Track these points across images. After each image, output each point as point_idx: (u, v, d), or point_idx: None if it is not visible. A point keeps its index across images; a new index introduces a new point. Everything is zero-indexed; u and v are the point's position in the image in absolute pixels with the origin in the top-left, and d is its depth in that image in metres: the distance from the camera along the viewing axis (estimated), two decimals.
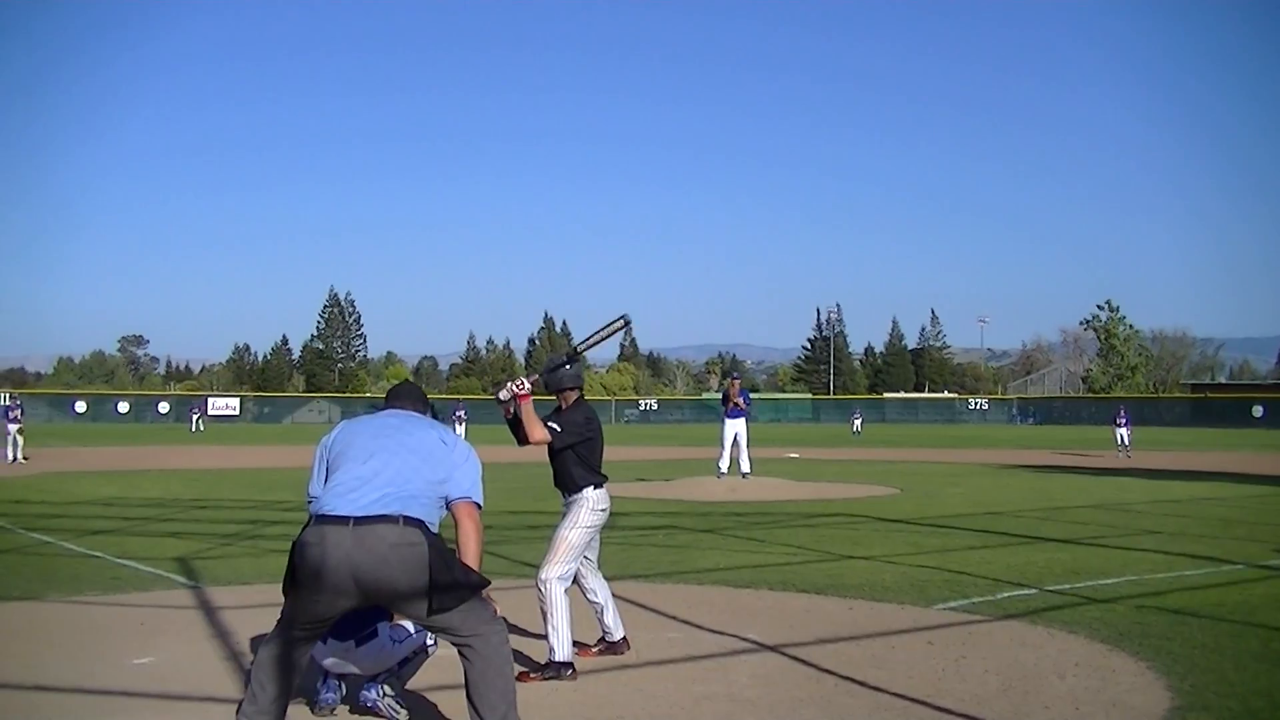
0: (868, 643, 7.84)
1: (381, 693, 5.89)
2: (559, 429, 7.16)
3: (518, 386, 7.00)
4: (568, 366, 7.35)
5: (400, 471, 5.03)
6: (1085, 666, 7.07)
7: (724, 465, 22.22)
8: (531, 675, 6.82)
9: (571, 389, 7.35)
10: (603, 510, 7.26)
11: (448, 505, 5.18)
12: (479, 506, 5.24)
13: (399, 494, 4.93)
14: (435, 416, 5.83)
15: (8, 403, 31.88)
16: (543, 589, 6.99)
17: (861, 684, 6.67)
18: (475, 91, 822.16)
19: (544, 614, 6.97)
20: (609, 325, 7.18)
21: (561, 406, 7.38)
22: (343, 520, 4.82)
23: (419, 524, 4.90)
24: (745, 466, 21.99)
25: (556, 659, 6.88)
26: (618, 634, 7.47)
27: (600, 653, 7.42)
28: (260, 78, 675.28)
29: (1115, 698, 6.36)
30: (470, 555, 5.10)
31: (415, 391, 5.84)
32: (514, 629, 7.47)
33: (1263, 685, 6.57)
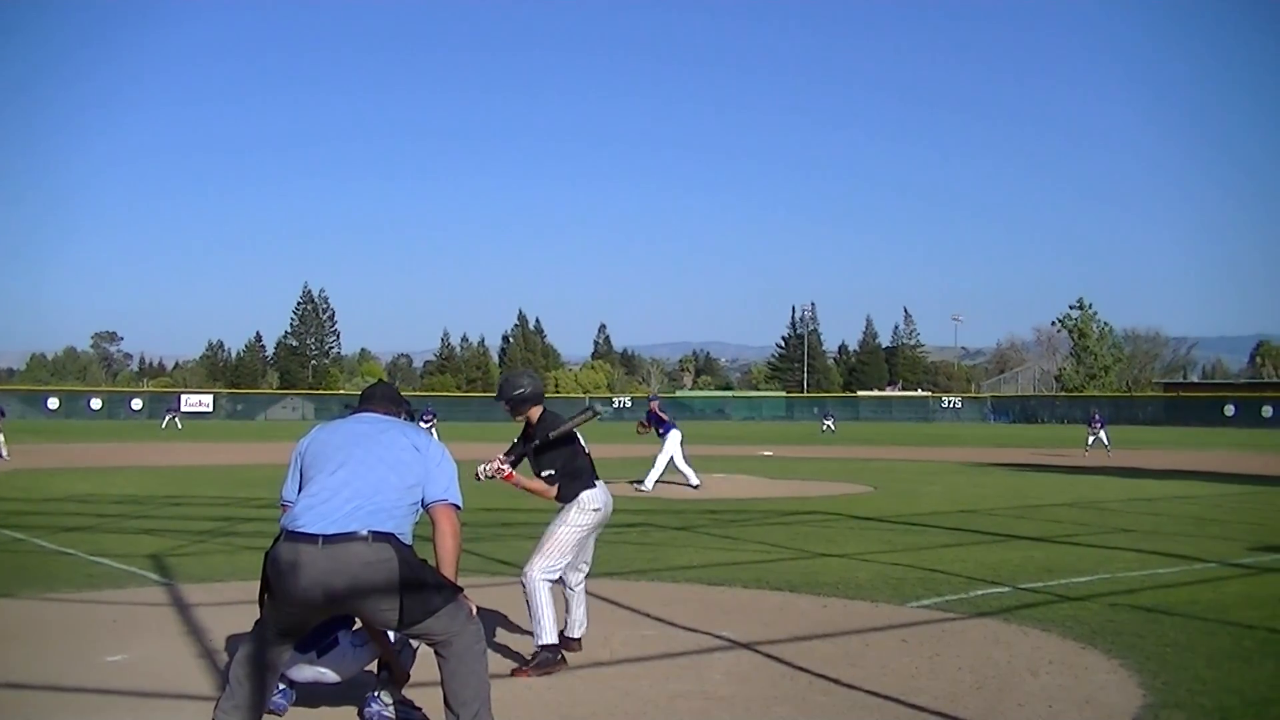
0: (842, 640, 7.86)
1: (384, 703, 5.87)
2: (553, 473, 7.18)
3: (496, 472, 7.02)
4: (525, 389, 7.37)
5: (369, 482, 5.02)
6: (1058, 664, 7.11)
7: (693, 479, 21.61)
8: (526, 670, 6.87)
9: (535, 406, 7.39)
10: (595, 510, 7.24)
11: (425, 508, 5.19)
12: (457, 508, 5.23)
13: (367, 506, 4.93)
14: (410, 417, 5.81)
15: None
16: (526, 584, 7.00)
17: (835, 681, 6.68)
18: (450, 89, 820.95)
19: (528, 608, 7.00)
20: (579, 415, 7.44)
21: (529, 423, 7.39)
22: (312, 538, 4.83)
23: (388, 538, 4.90)
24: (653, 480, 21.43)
25: (542, 642, 6.91)
26: (576, 632, 7.44)
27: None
28: (234, 77, 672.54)
29: (1088, 695, 6.39)
30: (447, 558, 5.11)
31: (389, 393, 5.80)
32: (490, 626, 7.49)
33: (1235, 683, 6.61)
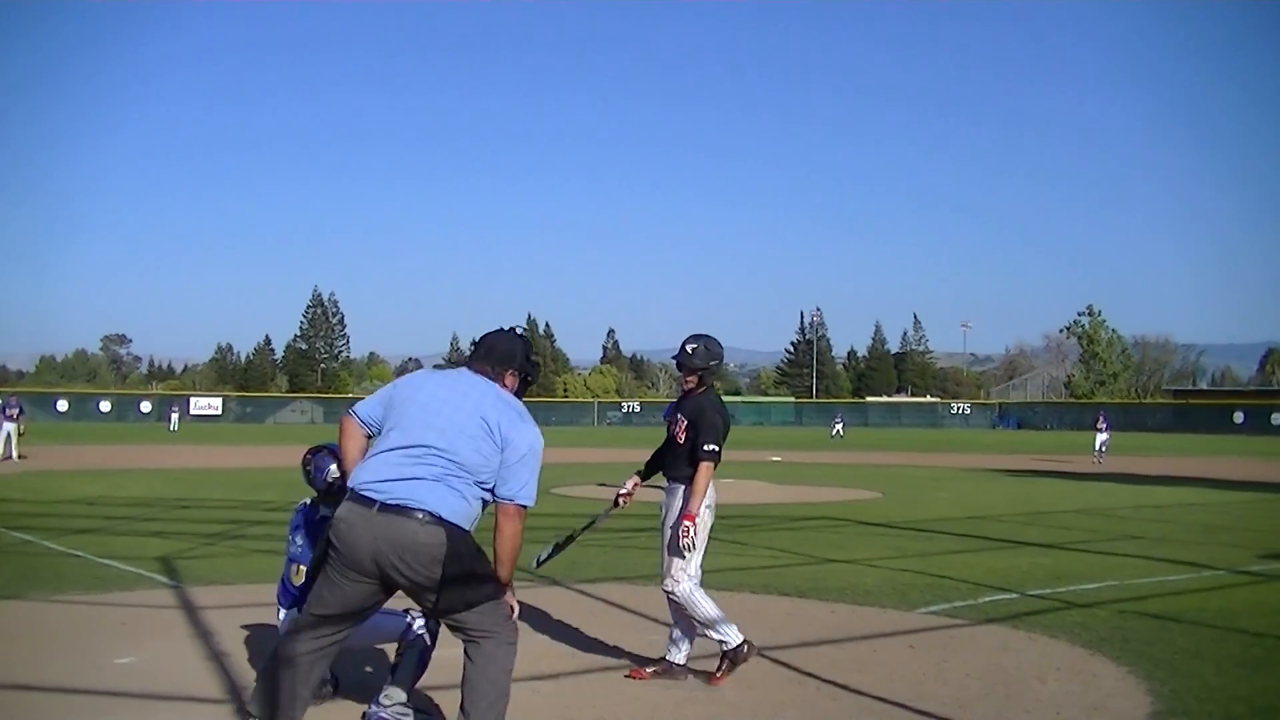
0: (849, 646, 7.87)
1: (388, 700, 5.82)
2: (717, 449, 7.05)
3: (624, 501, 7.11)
4: (715, 364, 7.20)
5: (437, 460, 4.85)
6: (1066, 671, 7.10)
7: None
8: (717, 676, 6.74)
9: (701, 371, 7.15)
10: (709, 508, 7.16)
11: (495, 497, 4.96)
12: (525, 507, 4.97)
13: (428, 480, 4.79)
14: (527, 378, 5.42)
15: (6, 400, 31.78)
16: (679, 597, 6.79)
17: (843, 687, 6.68)
18: (458, 92, 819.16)
19: (693, 620, 6.80)
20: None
21: (687, 391, 7.19)
22: (370, 503, 4.76)
23: (442, 522, 4.74)
24: None
25: (730, 647, 6.70)
26: (681, 656, 7.00)
27: (656, 674, 6.95)
28: (243, 79, 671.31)
29: (1096, 702, 6.39)
30: (504, 558, 4.93)
31: (495, 348, 5.36)
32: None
33: (1243, 691, 6.61)
